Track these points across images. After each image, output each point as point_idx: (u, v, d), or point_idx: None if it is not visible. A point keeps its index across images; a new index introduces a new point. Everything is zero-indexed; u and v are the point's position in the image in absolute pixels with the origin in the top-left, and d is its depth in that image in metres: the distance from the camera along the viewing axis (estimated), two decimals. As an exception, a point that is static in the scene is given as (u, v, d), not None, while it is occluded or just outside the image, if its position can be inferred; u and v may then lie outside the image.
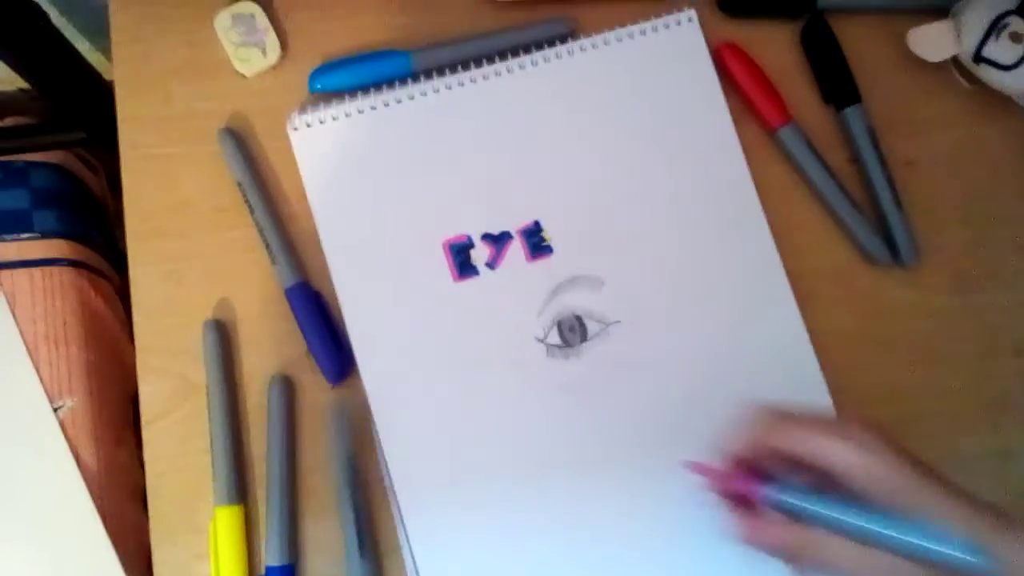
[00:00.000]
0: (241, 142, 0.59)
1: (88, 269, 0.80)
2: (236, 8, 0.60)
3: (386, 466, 0.56)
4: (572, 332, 0.58)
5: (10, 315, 0.75)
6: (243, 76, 0.61)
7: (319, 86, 0.60)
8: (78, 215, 0.83)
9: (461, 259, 0.58)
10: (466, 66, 0.61)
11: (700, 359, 0.59)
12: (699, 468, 0.50)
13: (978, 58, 0.60)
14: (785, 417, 0.46)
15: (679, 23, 0.62)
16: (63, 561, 0.70)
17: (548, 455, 0.57)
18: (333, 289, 0.58)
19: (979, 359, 0.60)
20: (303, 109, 0.59)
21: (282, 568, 0.54)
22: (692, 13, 0.62)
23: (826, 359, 0.59)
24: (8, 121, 0.84)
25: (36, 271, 0.77)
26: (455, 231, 0.59)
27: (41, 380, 0.74)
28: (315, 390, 0.58)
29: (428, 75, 0.60)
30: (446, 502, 0.56)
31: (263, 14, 0.60)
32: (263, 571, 0.55)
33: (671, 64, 0.62)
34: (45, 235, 0.79)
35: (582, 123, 0.61)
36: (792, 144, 0.61)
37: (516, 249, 0.59)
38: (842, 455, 0.42)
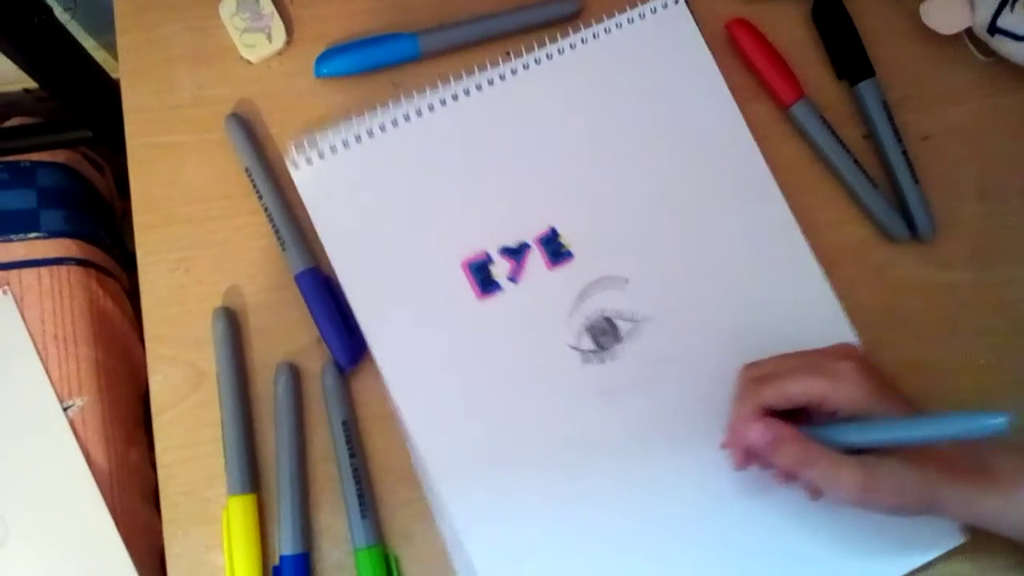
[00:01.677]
0: (248, 128, 0.59)
1: (96, 268, 0.80)
2: (241, -6, 0.60)
3: (429, 486, 0.55)
4: (605, 335, 0.57)
5: (19, 315, 0.75)
6: (249, 62, 0.60)
7: (325, 71, 0.59)
8: (85, 214, 0.82)
9: (482, 277, 0.57)
10: (470, 47, 0.60)
11: (735, 340, 0.57)
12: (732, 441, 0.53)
13: (993, 29, 0.60)
14: (761, 375, 0.51)
15: (665, 6, 0.61)
16: (75, 561, 0.70)
17: (589, 455, 0.56)
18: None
19: (1002, 334, 0.59)
20: (300, 144, 0.57)
21: (296, 557, 0.53)
22: None
23: (846, 336, 0.58)
24: (14, 121, 0.84)
25: (44, 270, 0.77)
26: (472, 249, 0.57)
27: (51, 380, 0.74)
28: (326, 377, 0.57)
29: (435, 56, 0.60)
30: (494, 515, 0.55)
31: (268, -1, 0.60)
32: (277, 560, 0.54)
33: (664, 49, 0.61)
34: (52, 234, 0.79)
35: (584, 121, 0.60)
36: (806, 120, 0.60)
37: (536, 259, 0.58)
38: (831, 389, 0.47)
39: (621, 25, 0.61)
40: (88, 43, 0.80)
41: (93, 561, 0.70)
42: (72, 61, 0.74)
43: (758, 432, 0.49)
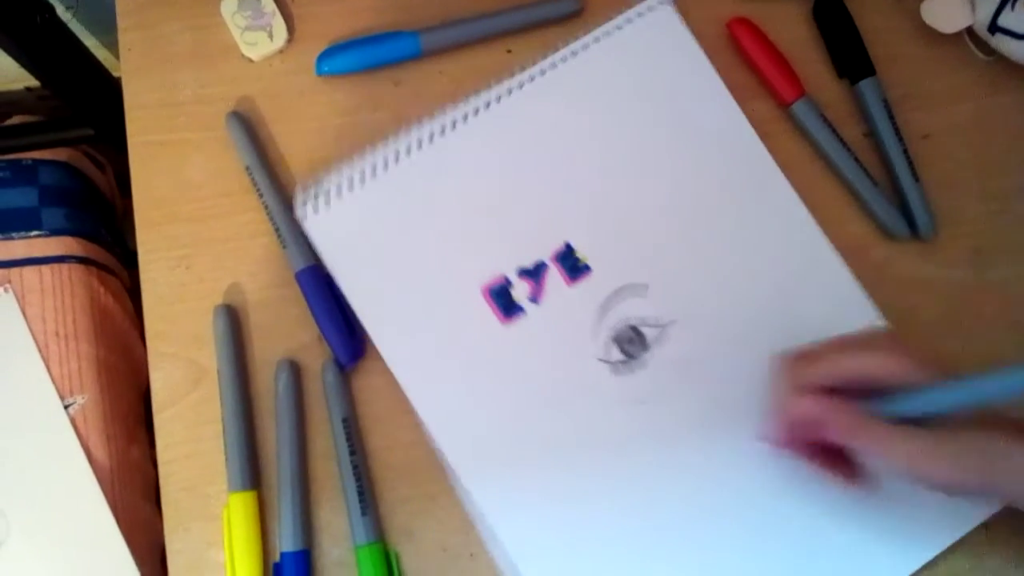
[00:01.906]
0: (248, 126, 0.59)
1: (97, 266, 0.80)
2: (242, -8, 0.60)
3: (475, 513, 0.55)
4: (632, 344, 0.57)
5: (20, 312, 0.75)
6: (250, 60, 0.60)
7: (326, 69, 0.59)
8: (86, 212, 0.82)
9: (503, 301, 0.57)
10: (472, 45, 0.60)
11: (762, 332, 0.57)
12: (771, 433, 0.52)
13: (994, 28, 0.60)
14: (810, 352, 0.49)
15: (651, 8, 0.61)
16: (76, 558, 0.70)
17: (633, 465, 0.55)
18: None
19: (1003, 332, 0.59)
20: (305, 192, 0.56)
21: (297, 554, 0.53)
22: None
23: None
24: (16, 119, 0.84)
25: (45, 268, 0.77)
26: (490, 274, 0.57)
27: (52, 377, 0.74)
28: (327, 375, 0.57)
29: (437, 54, 0.60)
30: (543, 535, 0.55)
31: (269, -3, 0.60)
32: (278, 557, 0.54)
33: (656, 52, 0.61)
34: (54, 232, 0.79)
35: (585, 133, 0.59)
36: (807, 118, 0.60)
37: (555, 276, 0.57)
38: (875, 362, 0.46)
39: (611, 33, 0.60)
40: (90, 41, 0.80)
41: (94, 558, 0.70)
42: (74, 59, 0.74)
43: (808, 404, 0.47)
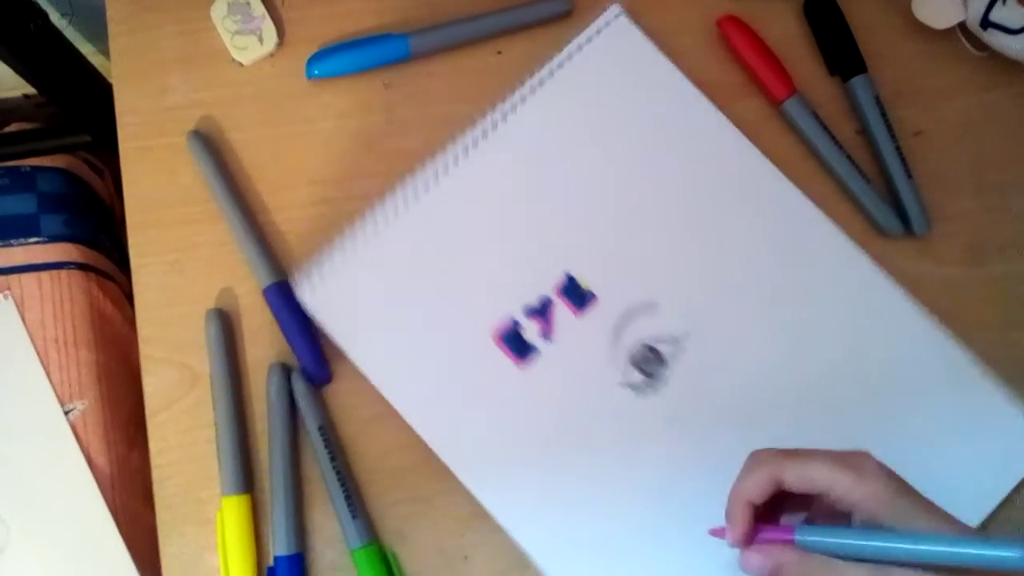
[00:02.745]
0: (211, 144, 0.59)
1: (96, 272, 0.80)
2: (232, -3, 0.60)
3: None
4: (650, 363, 0.57)
5: (19, 319, 0.75)
6: (240, 64, 0.60)
7: (316, 72, 0.59)
8: (85, 218, 0.83)
9: (516, 344, 0.57)
10: (462, 47, 0.60)
11: (777, 328, 0.58)
12: (720, 531, 0.49)
13: (985, 23, 0.59)
14: (777, 452, 0.47)
15: (608, 23, 0.61)
16: (77, 563, 0.70)
17: (672, 483, 0.55)
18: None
19: (998, 329, 0.59)
20: (302, 272, 0.56)
21: (290, 558, 0.53)
22: (617, 8, 0.61)
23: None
24: (13, 127, 0.84)
25: (44, 275, 0.77)
26: (498, 319, 0.57)
27: (51, 383, 0.74)
28: (320, 378, 0.57)
29: (426, 57, 0.60)
30: (588, 566, 0.55)
31: (259, 1, 0.60)
32: (272, 561, 0.54)
33: (622, 67, 0.60)
34: (52, 239, 0.79)
35: (566, 161, 0.59)
36: (798, 116, 0.60)
37: (562, 310, 0.57)
38: (841, 480, 0.43)
39: (572, 56, 0.60)
40: (85, 48, 0.81)
41: (95, 563, 0.70)
42: (69, 66, 0.74)
43: (756, 562, 0.46)
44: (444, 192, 0.58)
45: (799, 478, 0.45)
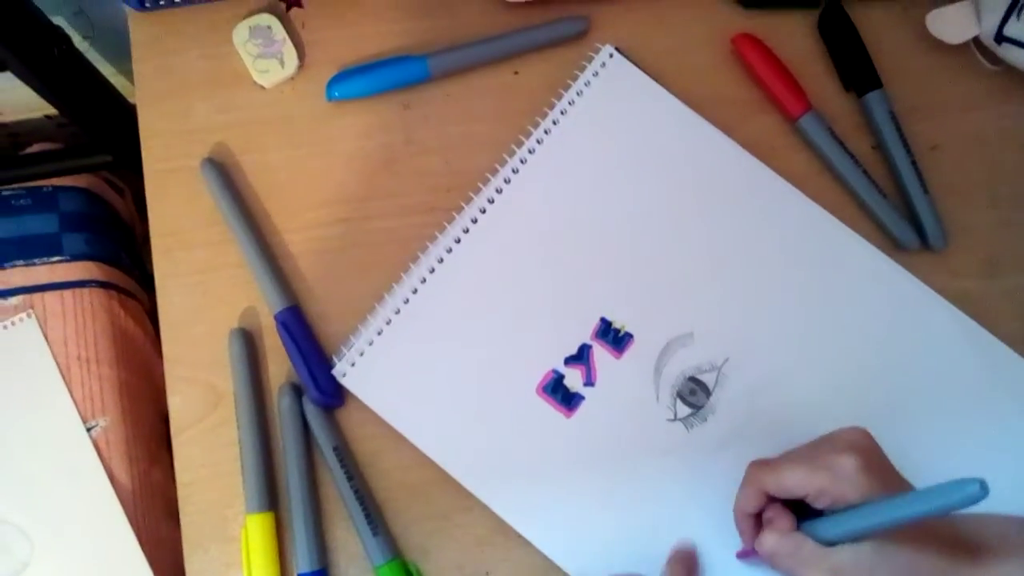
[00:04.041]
0: (224, 172, 0.60)
1: (117, 290, 0.81)
2: (253, 20, 0.61)
3: None
4: (695, 395, 0.57)
5: (42, 337, 0.76)
6: (262, 87, 0.61)
7: (337, 94, 0.60)
8: (106, 237, 0.83)
9: (561, 395, 0.57)
10: (479, 67, 0.61)
11: (814, 339, 0.58)
12: (742, 553, 0.54)
13: (1000, 38, 0.60)
14: (760, 466, 0.50)
15: (604, 64, 0.61)
16: (100, 580, 0.71)
17: (717, 506, 0.55)
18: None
19: (1017, 342, 0.59)
20: (339, 354, 0.57)
21: (313, 574, 0.54)
22: (609, 48, 0.61)
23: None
24: (36, 147, 0.85)
25: (67, 293, 0.78)
26: (540, 372, 0.57)
27: (74, 400, 0.74)
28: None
29: (445, 77, 0.61)
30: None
31: (280, 26, 0.61)
32: (296, 578, 0.54)
33: (625, 106, 0.61)
34: (75, 258, 0.80)
35: (583, 207, 0.60)
36: (814, 132, 0.61)
37: (602, 354, 0.58)
38: (814, 484, 0.47)
39: (574, 101, 0.60)
40: (106, 69, 0.81)
41: (118, 579, 0.71)
42: (91, 88, 0.75)
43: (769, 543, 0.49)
44: (466, 253, 0.58)
45: (778, 488, 0.49)
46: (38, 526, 0.71)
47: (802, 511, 0.49)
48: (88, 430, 0.74)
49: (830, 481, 0.46)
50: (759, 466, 0.51)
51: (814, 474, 0.47)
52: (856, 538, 0.45)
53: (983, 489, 0.38)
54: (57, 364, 0.75)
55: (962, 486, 0.39)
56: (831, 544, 0.46)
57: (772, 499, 0.50)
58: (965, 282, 0.60)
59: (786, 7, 0.64)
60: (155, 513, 0.75)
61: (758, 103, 0.62)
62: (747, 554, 0.53)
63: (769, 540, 0.49)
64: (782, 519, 0.49)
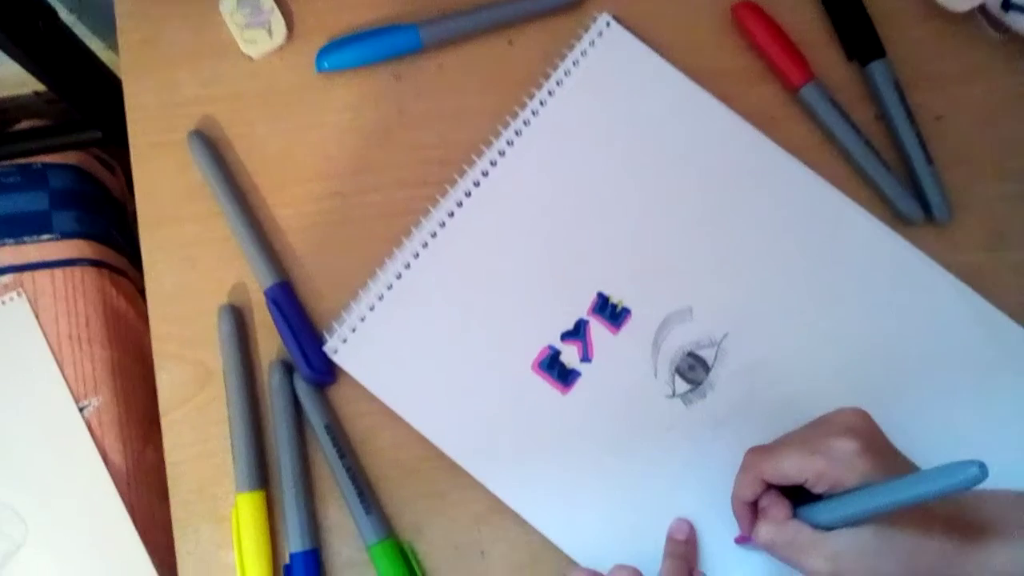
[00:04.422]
0: (211, 145, 0.58)
1: (109, 268, 0.80)
2: (240, -11, 0.60)
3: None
4: (694, 370, 0.56)
5: (33, 316, 0.75)
6: (250, 58, 0.60)
7: (326, 65, 0.59)
8: (97, 215, 0.83)
9: (557, 370, 0.56)
10: (473, 37, 0.60)
11: (815, 312, 0.57)
12: (741, 538, 0.54)
13: (1007, 5, 0.58)
14: (757, 453, 0.50)
15: (601, 34, 0.60)
16: (94, 559, 0.70)
17: (718, 483, 0.55)
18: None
19: (1021, 316, 0.58)
20: (330, 330, 0.56)
21: (306, 554, 0.53)
22: (606, 17, 0.60)
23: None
24: (24, 124, 0.84)
25: (57, 272, 0.77)
26: (536, 348, 0.56)
27: (66, 380, 0.74)
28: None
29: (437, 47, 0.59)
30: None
31: (268, -6, 0.60)
32: (289, 559, 0.54)
33: (623, 75, 0.60)
34: (65, 236, 0.79)
35: (580, 178, 0.58)
36: (816, 102, 0.59)
37: (599, 329, 0.57)
38: (811, 469, 0.46)
39: (571, 71, 0.59)
40: (95, 44, 0.80)
41: (112, 560, 0.70)
42: (79, 63, 0.74)
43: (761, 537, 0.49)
44: (460, 227, 0.57)
45: (775, 474, 0.48)
46: (32, 507, 0.71)
47: (802, 495, 0.48)
48: (81, 410, 0.73)
49: (828, 465, 0.46)
50: (756, 453, 0.50)
51: (811, 459, 0.47)
52: (855, 522, 0.45)
53: (982, 471, 0.38)
54: (48, 344, 0.74)
55: (961, 468, 0.39)
56: (830, 529, 0.46)
57: (769, 486, 0.49)
58: (970, 255, 0.59)
59: (788, -25, 0.62)
60: (149, 493, 0.75)
61: (758, 73, 0.61)
62: (745, 539, 0.53)
63: (765, 531, 0.48)
64: (777, 508, 0.48)
